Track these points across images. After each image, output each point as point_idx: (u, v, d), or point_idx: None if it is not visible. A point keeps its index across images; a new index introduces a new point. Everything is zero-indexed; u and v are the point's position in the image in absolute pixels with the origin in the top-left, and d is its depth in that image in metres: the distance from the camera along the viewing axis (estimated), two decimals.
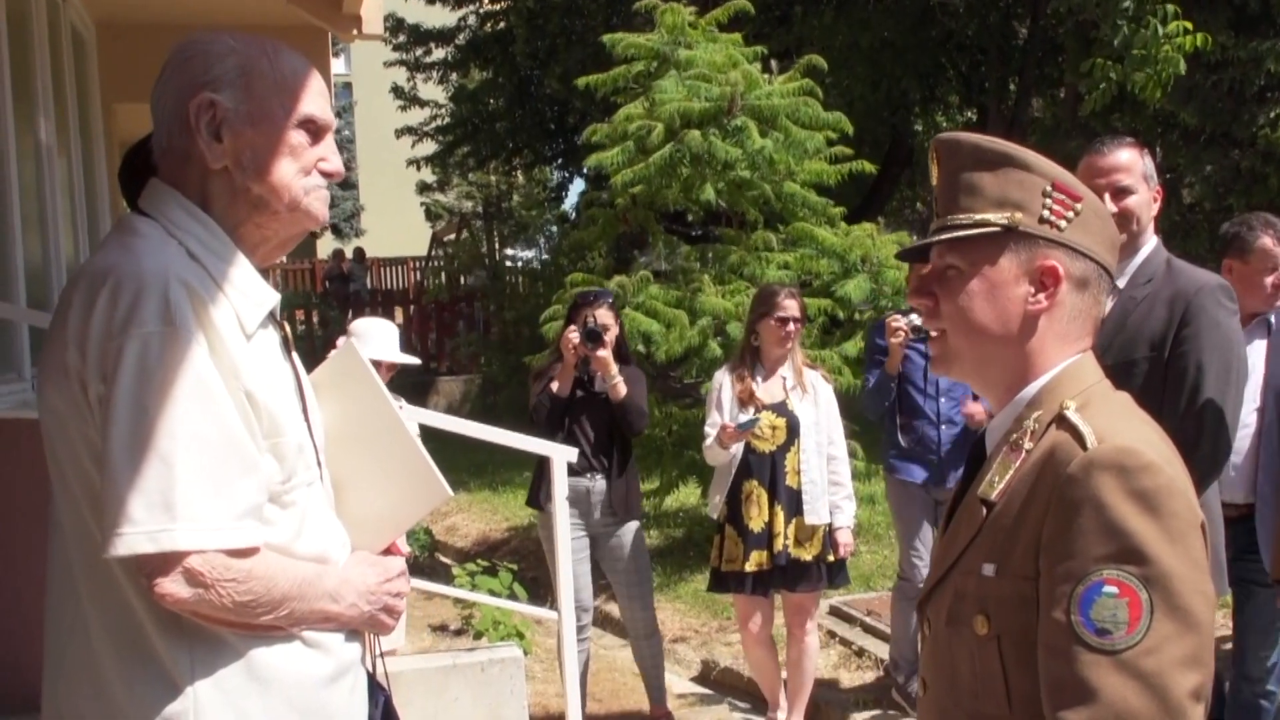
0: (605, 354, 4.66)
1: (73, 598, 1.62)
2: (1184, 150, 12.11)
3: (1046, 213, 1.49)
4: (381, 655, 1.94)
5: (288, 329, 1.81)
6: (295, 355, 1.80)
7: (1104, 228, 1.54)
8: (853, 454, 7.02)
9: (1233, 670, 3.91)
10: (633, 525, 4.93)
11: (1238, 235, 3.92)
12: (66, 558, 1.63)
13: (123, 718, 1.57)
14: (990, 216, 1.50)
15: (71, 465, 1.59)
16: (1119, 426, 1.41)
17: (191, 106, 1.65)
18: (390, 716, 1.91)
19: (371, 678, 1.87)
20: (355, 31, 6.19)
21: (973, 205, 1.51)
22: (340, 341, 2.57)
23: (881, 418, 5.06)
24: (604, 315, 4.77)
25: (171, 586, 1.51)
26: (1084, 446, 1.38)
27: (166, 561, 1.51)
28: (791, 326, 4.69)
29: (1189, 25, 8.65)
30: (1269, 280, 3.86)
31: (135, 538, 1.49)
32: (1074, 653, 1.32)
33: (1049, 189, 1.49)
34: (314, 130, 1.73)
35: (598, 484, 4.85)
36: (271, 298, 1.71)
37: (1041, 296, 1.49)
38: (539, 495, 4.91)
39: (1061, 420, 1.43)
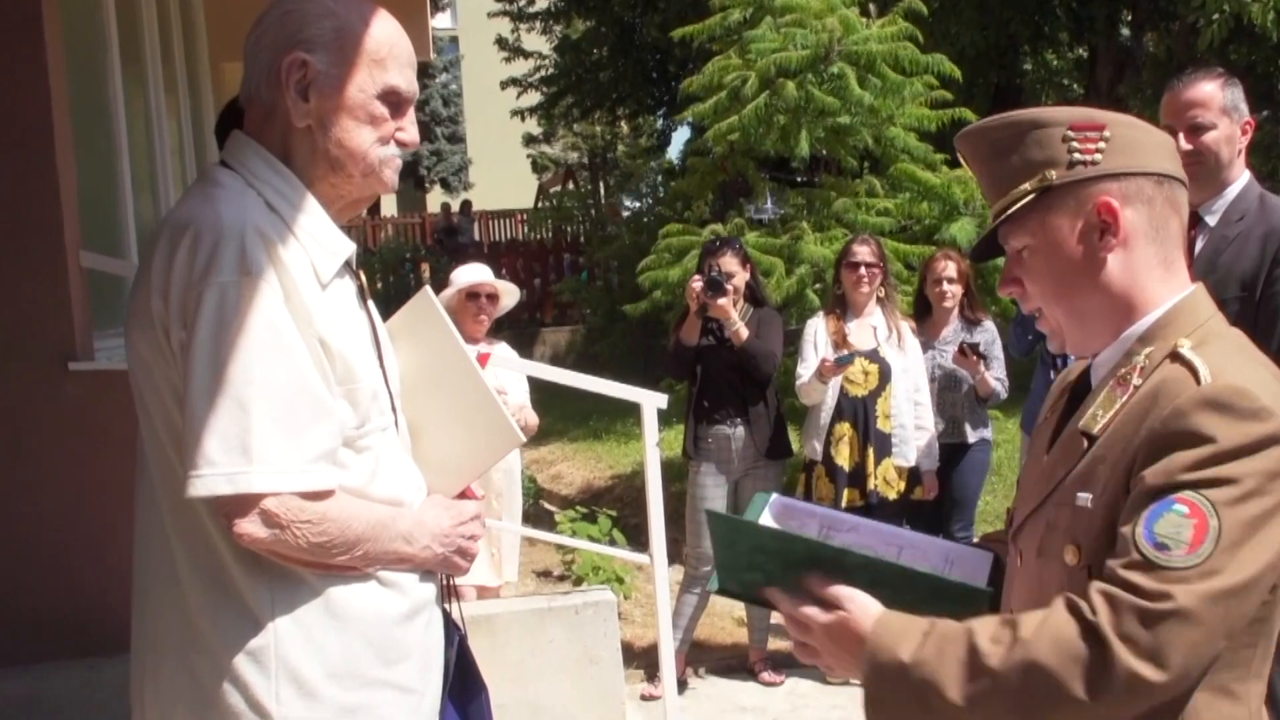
0: (724, 302, 4.70)
1: (160, 536, 1.68)
2: None
3: (1075, 155, 1.47)
4: (458, 598, 1.99)
5: (364, 278, 1.85)
6: (371, 304, 1.84)
7: (1143, 137, 1.49)
8: None
9: None
10: (776, 466, 4.99)
11: None
12: (154, 498, 1.69)
13: (207, 649, 1.64)
14: (1025, 186, 1.49)
15: (157, 408, 1.65)
16: (1235, 366, 1.38)
17: (284, 63, 1.68)
18: (465, 656, 1.96)
19: (447, 618, 1.91)
20: None
21: (1008, 185, 1.51)
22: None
23: (1029, 356, 5.09)
24: (728, 263, 4.83)
25: (249, 527, 1.57)
26: (1198, 382, 1.35)
27: (244, 503, 1.56)
28: (863, 271, 4.83)
29: None
30: None
31: (214, 479, 1.55)
32: (1125, 558, 1.31)
33: (1068, 133, 1.47)
34: (396, 102, 1.75)
35: (738, 431, 4.88)
36: (346, 247, 1.75)
37: (1109, 237, 1.47)
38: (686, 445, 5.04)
39: (1176, 356, 1.40)
